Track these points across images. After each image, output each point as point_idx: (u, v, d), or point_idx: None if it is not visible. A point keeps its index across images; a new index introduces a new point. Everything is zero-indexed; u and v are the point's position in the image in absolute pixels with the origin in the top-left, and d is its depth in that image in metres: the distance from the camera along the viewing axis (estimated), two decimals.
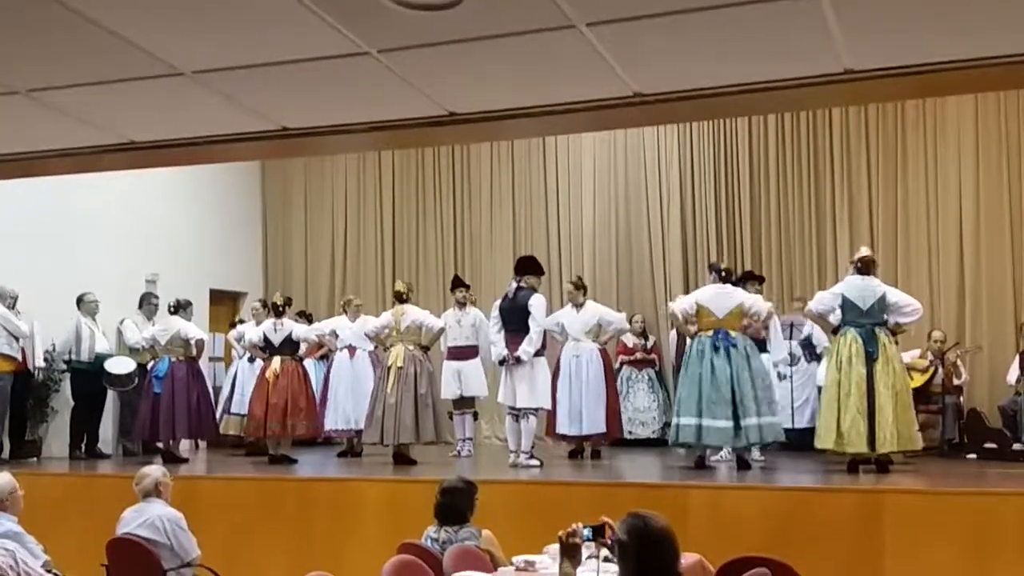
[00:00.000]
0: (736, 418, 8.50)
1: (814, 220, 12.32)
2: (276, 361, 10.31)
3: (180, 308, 10.85)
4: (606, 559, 4.29)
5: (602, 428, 10.01)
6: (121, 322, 11.40)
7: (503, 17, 3.83)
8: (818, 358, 10.96)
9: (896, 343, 8.92)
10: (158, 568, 5.88)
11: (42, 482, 8.78)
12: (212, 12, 3.80)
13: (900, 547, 6.87)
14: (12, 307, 10.20)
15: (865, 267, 8.70)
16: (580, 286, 10.48)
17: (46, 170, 6.24)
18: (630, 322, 11.38)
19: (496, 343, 9.51)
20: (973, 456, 10.00)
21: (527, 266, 9.73)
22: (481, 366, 10.72)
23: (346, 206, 14.38)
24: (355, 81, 4.51)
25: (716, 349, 8.66)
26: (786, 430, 10.82)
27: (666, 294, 12.19)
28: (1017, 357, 10.52)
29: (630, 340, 11.92)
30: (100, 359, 10.74)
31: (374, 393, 9.97)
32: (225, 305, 13.79)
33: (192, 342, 10.70)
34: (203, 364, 11.31)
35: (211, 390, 11.35)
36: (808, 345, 11.02)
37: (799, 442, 10.24)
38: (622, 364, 11.87)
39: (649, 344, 12.12)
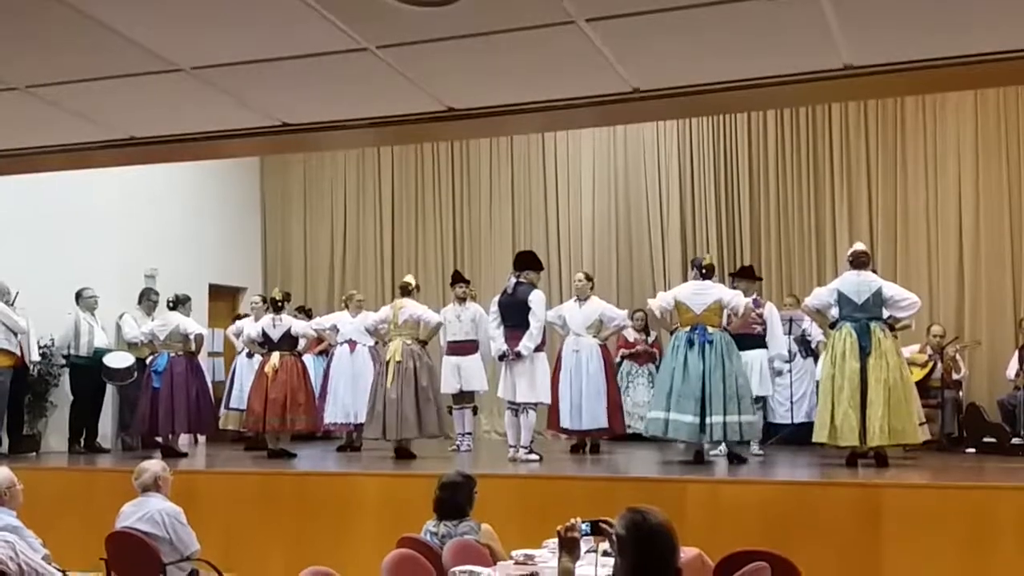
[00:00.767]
0: (703, 414, 8.51)
1: (813, 216, 12.32)
2: (275, 356, 10.32)
3: (179, 303, 10.85)
4: (605, 553, 4.30)
5: (603, 423, 10.03)
6: (120, 317, 11.40)
7: (502, 13, 3.84)
8: (814, 354, 10.99)
9: (896, 337, 8.94)
10: (157, 562, 5.89)
11: (41, 477, 8.80)
12: (211, 8, 3.80)
13: (899, 541, 6.88)
14: (11, 303, 10.19)
15: (859, 262, 8.72)
16: (589, 279, 10.50)
17: (45, 166, 6.25)
18: (631, 317, 11.39)
19: (496, 338, 9.51)
20: (972, 450, 10.02)
21: (526, 261, 9.73)
22: (481, 361, 10.72)
23: (345, 201, 14.38)
24: (354, 77, 4.52)
25: (691, 344, 8.67)
26: (784, 425, 10.93)
27: (665, 289, 12.17)
28: (1016, 352, 10.54)
29: (631, 335, 11.93)
30: (99, 354, 10.75)
31: (374, 388, 9.97)
32: (224, 300, 13.79)
33: (191, 337, 10.71)
34: (202, 359, 11.31)
35: (210, 385, 11.35)
36: (804, 341, 11.04)
37: (797, 436, 10.28)
38: (623, 358, 11.88)
39: (651, 339, 12.12)
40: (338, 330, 11.30)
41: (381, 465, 9.56)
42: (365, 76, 4.48)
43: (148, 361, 10.72)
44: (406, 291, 10.22)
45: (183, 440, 11.08)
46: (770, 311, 10.14)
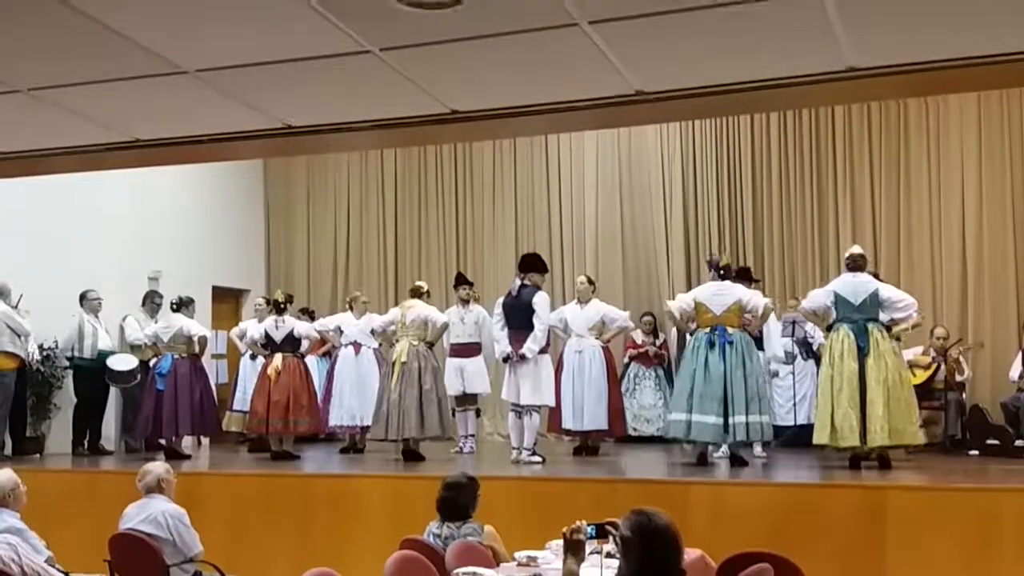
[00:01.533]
0: (726, 415, 8.52)
1: (816, 217, 12.31)
2: (278, 358, 10.32)
3: (183, 305, 10.87)
4: (609, 555, 4.30)
5: (604, 425, 10.03)
6: (124, 319, 11.40)
7: (505, 15, 3.84)
8: (816, 356, 10.99)
9: (898, 338, 8.93)
10: (161, 564, 5.89)
11: (45, 479, 8.80)
12: (215, 11, 3.81)
13: (902, 543, 6.87)
14: (16, 305, 10.20)
15: (854, 264, 8.73)
16: (591, 282, 10.51)
17: (50, 168, 6.27)
18: (640, 320, 11.38)
19: (500, 340, 9.49)
20: (975, 452, 10.01)
21: (531, 264, 9.72)
22: (484, 363, 10.73)
23: (349, 203, 14.38)
24: (358, 79, 4.53)
25: (712, 345, 8.68)
26: (785, 427, 10.92)
27: (670, 291, 12.18)
28: (1020, 353, 10.52)
29: (639, 337, 11.93)
30: (103, 356, 10.75)
31: (381, 389, 9.98)
32: (228, 302, 13.80)
33: (195, 339, 10.72)
34: (206, 361, 11.31)
35: (214, 387, 11.36)
36: (806, 343, 11.04)
37: (799, 438, 10.27)
38: (630, 359, 11.88)
39: (659, 342, 12.11)
40: (342, 332, 11.29)
41: (384, 467, 9.57)
42: (369, 78, 4.49)
43: (152, 363, 10.73)
44: (417, 294, 10.21)
45: (186, 442, 11.09)
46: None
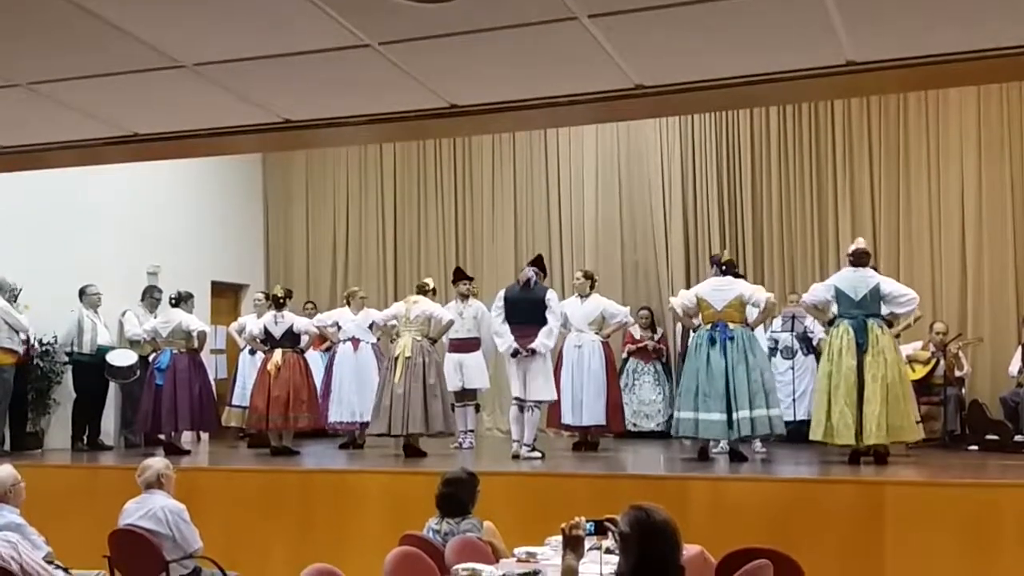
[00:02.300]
0: (729, 411, 8.51)
1: (816, 212, 12.31)
2: (277, 353, 10.31)
3: (182, 300, 10.87)
4: (608, 551, 4.30)
5: (602, 420, 10.03)
6: (123, 314, 11.40)
7: (504, 9, 3.83)
8: (816, 351, 10.99)
9: (898, 336, 8.93)
10: (160, 559, 5.90)
11: (44, 474, 8.81)
12: (214, 5, 3.80)
13: (901, 538, 6.88)
14: (14, 300, 10.19)
15: (859, 259, 8.70)
16: (589, 277, 10.50)
17: (49, 162, 6.26)
18: (637, 315, 11.38)
19: (502, 335, 9.43)
20: (975, 447, 10.01)
21: (540, 263, 9.75)
22: (483, 358, 10.73)
23: (348, 198, 14.37)
24: (357, 73, 4.52)
25: (713, 342, 8.67)
26: (786, 422, 10.91)
27: (669, 286, 12.19)
28: (1019, 348, 10.52)
29: (637, 332, 11.93)
30: (102, 351, 10.75)
31: (381, 384, 9.96)
32: (227, 297, 13.79)
33: (194, 334, 10.72)
34: (205, 356, 11.31)
35: (213, 383, 11.35)
36: (806, 338, 11.04)
37: (798, 434, 10.26)
38: (629, 355, 11.88)
39: (657, 336, 12.12)
40: (340, 327, 11.29)
41: (384, 463, 9.57)
42: (368, 73, 4.48)
43: (151, 358, 10.73)
44: (423, 291, 10.20)
45: (186, 437, 11.09)
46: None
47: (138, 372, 10.74)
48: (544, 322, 9.32)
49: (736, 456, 8.86)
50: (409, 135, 8.37)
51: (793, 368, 10.97)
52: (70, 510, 8.31)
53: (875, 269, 9.20)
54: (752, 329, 9.12)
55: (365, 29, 4.02)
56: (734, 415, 8.51)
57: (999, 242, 11.50)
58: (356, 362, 11.11)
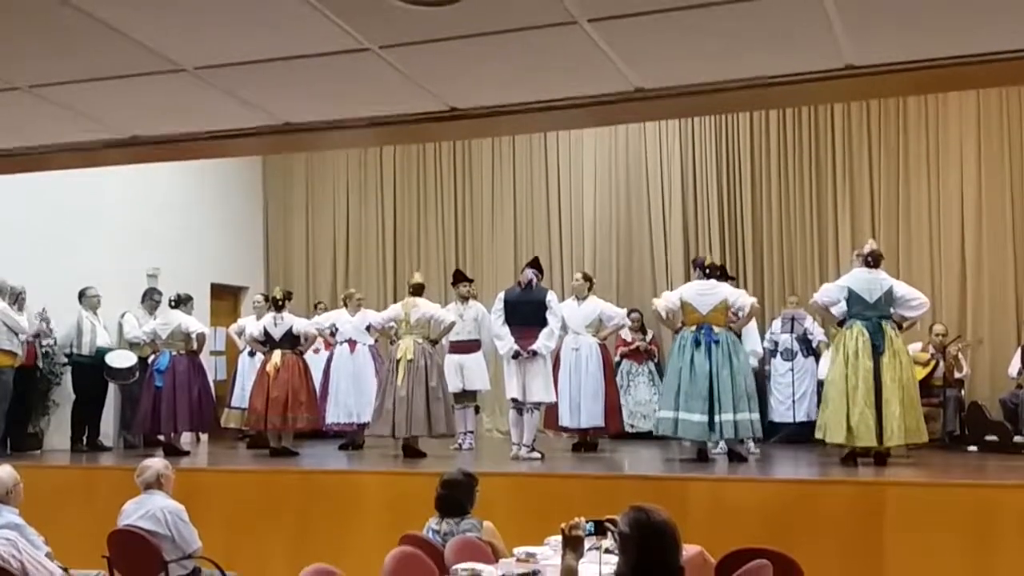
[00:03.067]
0: (712, 413, 8.52)
1: (815, 215, 12.33)
2: (276, 355, 10.32)
3: (181, 302, 10.88)
4: (607, 551, 4.31)
5: (600, 422, 10.05)
6: (122, 316, 11.41)
7: (505, 13, 3.84)
8: (815, 353, 11.01)
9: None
10: (159, 560, 5.91)
11: (44, 474, 8.82)
12: (214, 8, 3.81)
13: (900, 539, 6.88)
14: (15, 302, 10.20)
15: (875, 260, 8.70)
16: (588, 279, 10.51)
17: (49, 165, 6.26)
18: (628, 316, 11.39)
19: (503, 337, 9.40)
20: (974, 448, 10.03)
21: (539, 265, 9.76)
22: (483, 360, 10.75)
23: (348, 200, 14.39)
24: (357, 77, 4.53)
25: (697, 344, 8.69)
26: (784, 423, 10.94)
27: (668, 289, 12.18)
28: (1018, 350, 10.54)
29: (628, 335, 11.94)
30: (101, 353, 10.76)
31: (382, 386, 9.95)
32: (226, 299, 13.80)
33: (193, 336, 10.73)
34: (204, 358, 11.32)
35: (212, 384, 11.36)
36: (805, 340, 11.05)
37: (798, 435, 10.29)
38: (622, 357, 11.89)
39: (648, 337, 12.14)
40: (337, 329, 11.30)
41: (383, 463, 9.58)
42: (367, 76, 4.49)
43: (150, 360, 10.74)
44: (418, 291, 10.20)
45: (185, 438, 11.10)
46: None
47: (137, 373, 10.76)
48: (544, 324, 9.33)
49: (734, 457, 8.88)
50: (409, 138, 8.37)
51: (793, 370, 10.99)
52: (69, 510, 8.32)
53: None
54: (737, 334, 9.16)
55: (365, 32, 4.03)
56: (716, 417, 8.52)
57: (998, 244, 11.52)
58: (353, 364, 11.14)
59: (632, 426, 11.45)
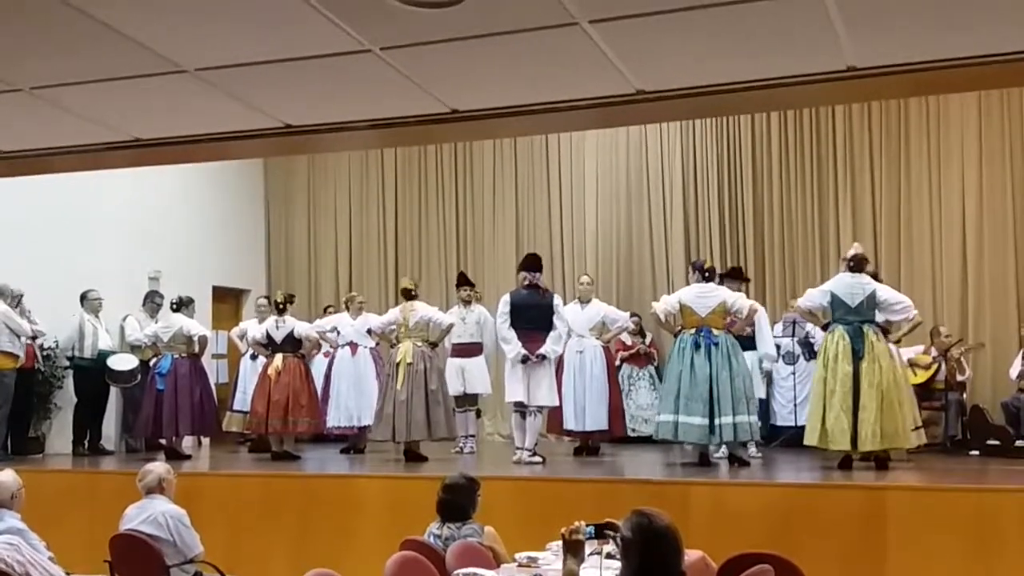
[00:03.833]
0: (712, 416, 8.51)
1: (817, 217, 12.32)
2: (278, 358, 10.30)
3: (183, 305, 10.87)
4: (608, 556, 4.29)
5: (604, 425, 10.03)
6: (124, 319, 11.40)
7: (506, 14, 3.84)
8: (816, 356, 10.98)
9: (898, 342, 8.91)
10: (161, 564, 5.89)
11: (45, 479, 8.81)
12: (216, 10, 3.80)
13: (902, 544, 6.86)
14: (16, 305, 10.20)
15: (857, 265, 8.70)
16: (593, 282, 10.51)
17: (50, 167, 6.26)
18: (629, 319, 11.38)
19: (509, 340, 9.31)
20: (976, 452, 10.00)
21: (540, 264, 9.71)
22: (485, 363, 10.73)
23: (349, 203, 14.39)
24: (358, 79, 4.52)
25: (697, 347, 8.67)
26: (786, 427, 10.93)
27: (669, 292, 12.17)
28: (1020, 353, 10.51)
29: (628, 338, 11.93)
30: (103, 356, 10.75)
31: (383, 390, 9.94)
32: (228, 302, 13.80)
33: (195, 339, 10.72)
34: (206, 361, 11.31)
35: (214, 387, 11.36)
36: (807, 343, 11.04)
37: (799, 439, 10.24)
38: (622, 361, 11.88)
39: (647, 341, 12.13)
40: (339, 332, 11.29)
41: (384, 467, 9.57)
42: (369, 78, 4.49)
43: (152, 363, 10.73)
44: (411, 295, 10.18)
45: (187, 442, 11.09)
46: (760, 313, 10.13)
47: (139, 377, 10.75)
48: (549, 327, 9.31)
49: (735, 461, 8.87)
50: (410, 140, 8.38)
51: (795, 373, 10.97)
52: (71, 515, 8.31)
53: (875, 275, 9.19)
54: (751, 337, 9.13)
55: (366, 34, 4.02)
56: (716, 420, 8.51)
57: (1000, 247, 11.51)
58: (354, 367, 11.13)
59: (633, 430, 11.42)
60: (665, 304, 9.07)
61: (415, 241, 14.04)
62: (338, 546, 7.86)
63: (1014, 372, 10.41)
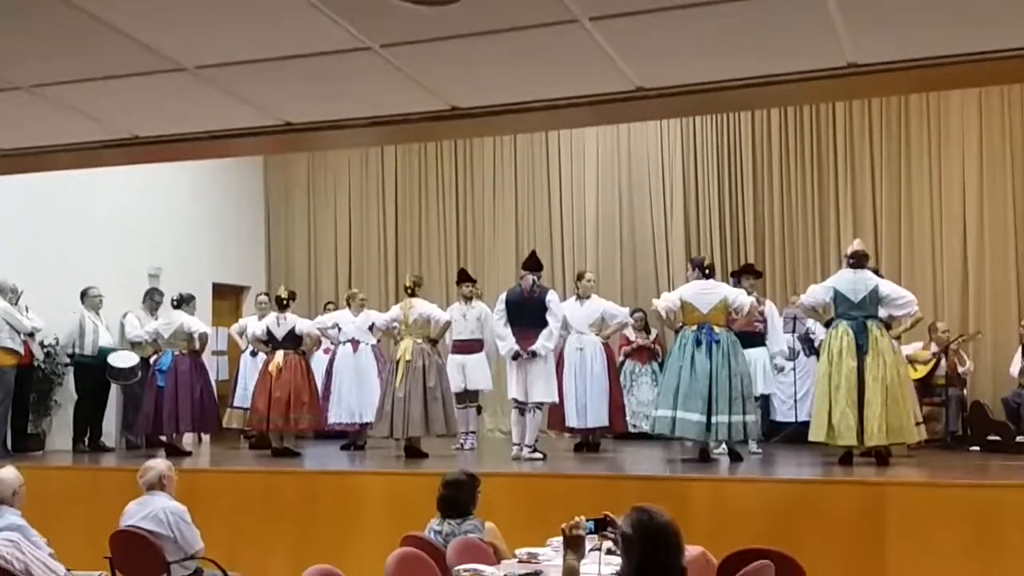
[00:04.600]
0: (709, 414, 8.52)
1: (817, 213, 12.32)
2: (279, 355, 10.31)
3: (183, 302, 10.87)
4: (608, 551, 4.30)
5: (606, 421, 10.05)
6: (124, 316, 11.40)
7: (506, 12, 3.83)
8: (817, 352, 10.98)
9: (899, 338, 8.92)
10: (161, 560, 5.90)
11: (46, 475, 8.81)
12: (216, 8, 3.80)
13: (902, 539, 6.87)
14: (16, 302, 10.20)
15: (858, 260, 8.71)
16: (594, 280, 10.53)
17: (49, 165, 6.26)
18: (631, 316, 11.38)
19: (504, 338, 9.41)
20: (976, 448, 10.01)
21: (538, 262, 9.73)
22: (486, 360, 10.74)
23: (349, 200, 14.38)
24: (357, 76, 4.52)
25: (698, 344, 8.68)
26: (787, 423, 10.94)
27: (669, 288, 12.18)
28: (1020, 349, 10.52)
29: (632, 334, 11.93)
30: (103, 353, 10.75)
31: (384, 387, 9.97)
32: (228, 299, 13.80)
33: (195, 336, 10.72)
34: (206, 358, 11.31)
35: (214, 384, 11.36)
36: (807, 339, 11.04)
37: (800, 435, 10.25)
38: (625, 357, 11.88)
39: (652, 337, 12.13)
40: (340, 329, 11.29)
41: (385, 464, 9.58)
42: (369, 75, 4.48)
43: (152, 360, 10.74)
44: (412, 292, 10.19)
45: (187, 439, 11.10)
46: (770, 309, 10.16)
47: (139, 374, 10.75)
48: (545, 324, 9.32)
49: (734, 456, 8.88)
50: (410, 137, 8.36)
51: (795, 369, 10.97)
52: (71, 511, 8.31)
53: (876, 271, 9.21)
54: (763, 334, 9.12)
55: (366, 32, 4.02)
56: (713, 418, 8.52)
57: (1000, 243, 11.52)
58: (356, 364, 11.13)
59: (635, 426, 11.42)
60: (666, 301, 9.08)
61: (415, 237, 14.03)
62: (339, 542, 7.87)
63: (1014, 368, 10.42)
